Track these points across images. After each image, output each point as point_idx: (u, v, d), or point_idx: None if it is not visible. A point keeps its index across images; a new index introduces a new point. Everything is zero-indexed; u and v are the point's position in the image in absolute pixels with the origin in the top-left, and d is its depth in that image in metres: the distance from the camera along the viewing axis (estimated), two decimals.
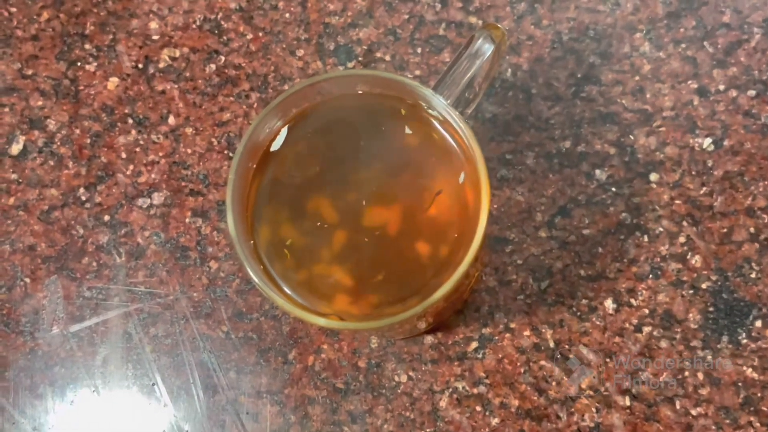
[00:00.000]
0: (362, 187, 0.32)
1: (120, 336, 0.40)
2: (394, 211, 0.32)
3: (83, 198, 0.41)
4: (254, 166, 0.32)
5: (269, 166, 0.33)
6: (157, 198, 0.41)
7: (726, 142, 0.38)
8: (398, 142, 0.32)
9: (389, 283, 0.32)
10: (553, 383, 0.37)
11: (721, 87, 0.39)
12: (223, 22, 0.42)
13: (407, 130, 0.32)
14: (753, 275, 0.37)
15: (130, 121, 0.41)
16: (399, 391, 0.38)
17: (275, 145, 0.33)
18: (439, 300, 0.29)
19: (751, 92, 0.38)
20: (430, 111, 0.32)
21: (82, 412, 0.40)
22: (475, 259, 0.30)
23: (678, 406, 0.36)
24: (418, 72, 0.40)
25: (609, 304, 0.38)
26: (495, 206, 0.39)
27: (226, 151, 0.41)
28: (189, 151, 0.41)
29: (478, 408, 0.38)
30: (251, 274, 0.30)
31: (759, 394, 0.36)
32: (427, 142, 0.32)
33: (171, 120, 0.41)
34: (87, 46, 0.42)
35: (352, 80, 0.32)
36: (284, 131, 0.33)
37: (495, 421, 0.37)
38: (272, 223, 0.32)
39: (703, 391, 0.36)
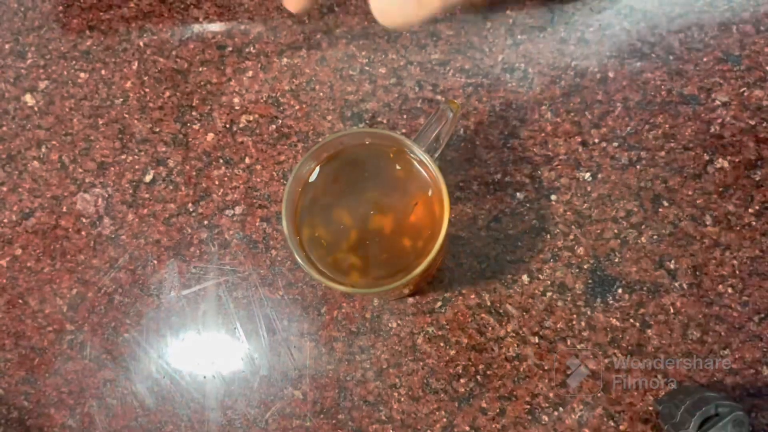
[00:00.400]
0: (368, 203, 0.32)
1: (214, 297, 0.40)
2: (388, 219, 0.32)
3: (191, 209, 0.41)
4: (299, 190, 0.32)
5: (308, 191, 0.33)
6: (238, 209, 0.41)
7: (599, 175, 0.38)
8: (391, 175, 0.32)
9: (385, 265, 0.32)
10: (489, 328, 0.37)
11: (596, 140, 0.39)
12: (280, 98, 0.42)
13: (397, 167, 0.32)
14: (616, 260, 0.37)
15: (221, 161, 0.41)
16: (391, 333, 0.38)
17: (312, 177, 0.33)
18: (417, 275, 0.29)
19: (615, 144, 0.38)
20: (412, 155, 0.32)
21: (189, 346, 0.40)
22: (440, 250, 0.30)
23: (569, 343, 0.36)
24: (404, 130, 0.40)
25: (525, 277, 0.38)
26: (452, 215, 0.39)
27: (281, 181, 0.41)
28: (258, 180, 0.41)
29: (442, 344, 0.38)
30: (297, 257, 0.30)
31: (620, 335, 0.36)
32: (410, 174, 0.32)
33: (247, 160, 0.41)
34: (194, 113, 0.42)
35: (362, 135, 0.33)
36: (318, 168, 0.33)
37: (452, 352, 0.37)
38: (311, 226, 0.32)
39: (584, 333, 0.36)
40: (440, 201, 0.30)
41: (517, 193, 0.38)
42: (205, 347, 0.39)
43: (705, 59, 0.39)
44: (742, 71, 0.38)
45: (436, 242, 0.29)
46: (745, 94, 0.38)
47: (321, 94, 0.41)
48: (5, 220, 0.42)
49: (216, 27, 0.43)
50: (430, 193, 0.31)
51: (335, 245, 0.32)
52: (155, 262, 0.40)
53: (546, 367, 0.36)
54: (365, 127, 0.40)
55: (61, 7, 0.45)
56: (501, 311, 0.37)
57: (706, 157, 0.37)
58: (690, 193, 0.37)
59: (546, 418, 0.36)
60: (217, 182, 0.41)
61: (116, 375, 0.39)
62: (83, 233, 0.41)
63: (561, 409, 0.36)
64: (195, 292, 0.40)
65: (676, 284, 0.36)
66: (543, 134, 0.39)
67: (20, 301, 0.41)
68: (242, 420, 0.38)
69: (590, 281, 0.37)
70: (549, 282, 0.37)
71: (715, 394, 0.33)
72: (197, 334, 0.39)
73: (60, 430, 0.39)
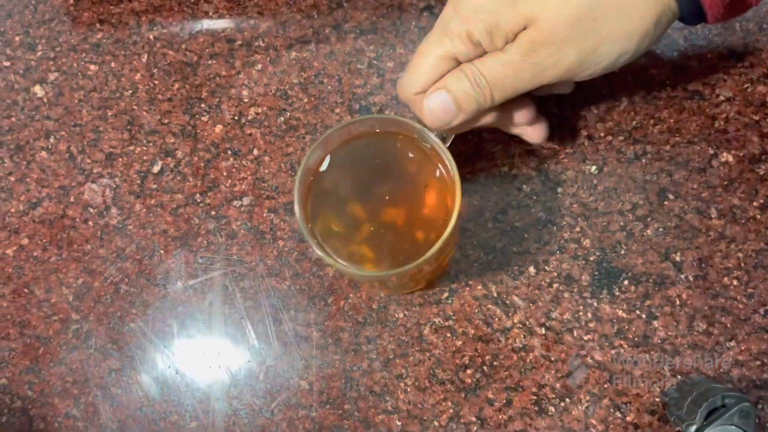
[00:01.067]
0: (380, 194, 0.32)
1: (220, 288, 0.39)
2: (400, 211, 0.32)
3: (198, 200, 0.40)
4: (310, 179, 0.32)
5: (319, 181, 0.32)
6: (246, 200, 0.40)
7: (605, 169, 0.38)
8: (402, 163, 0.32)
9: (396, 255, 0.31)
10: (496, 319, 0.37)
11: (602, 134, 0.39)
12: (289, 91, 0.41)
13: (409, 154, 0.32)
14: (622, 252, 0.37)
15: (229, 152, 0.41)
16: (398, 323, 0.38)
17: (322, 167, 0.32)
18: (424, 262, 0.29)
19: (621, 138, 0.38)
20: (424, 143, 0.32)
21: (195, 336, 0.39)
22: (448, 242, 0.29)
23: (575, 334, 0.36)
24: None
25: (532, 269, 0.37)
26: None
27: (289, 172, 0.40)
28: (266, 171, 0.40)
29: (448, 334, 0.37)
30: (311, 243, 0.30)
31: (626, 327, 0.36)
32: (421, 161, 0.32)
33: (255, 152, 0.41)
34: (202, 105, 0.42)
35: (372, 122, 0.32)
36: (328, 158, 0.32)
37: (459, 343, 0.37)
38: (322, 217, 0.32)
39: (591, 325, 0.36)
40: (452, 189, 0.30)
41: (524, 186, 0.38)
42: (212, 337, 0.39)
43: (709, 55, 0.39)
44: (745, 67, 0.38)
45: (444, 234, 0.29)
46: (749, 90, 0.38)
47: (329, 87, 0.41)
48: (13, 210, 0.41)
49: (225, 21, 0.43)
50: (437, 174, 0.31)
51: (347, 237, 0.31)
52: (162, 252, 0.40)
53: (552, 358, 0.36)
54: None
55: (71, 1, 0.44)
56: (507, 302, 0.37)
57: (711, 152, 0.37)
58: (695, 186, 0.37)
59: (552, 409, 0.35)
60: (224, 173, 0.40)
61: (121, 365, 0.39)
62: (90, 223, 0.41)
63: (567, 400, 0.35)
64: (201, 283, 0.39)
65: (682, 276, 0.36)
66: (549, 127, 0.38)
67: (26, 290, 0.40)
68: (248, 410, 0.37)
69: (596, 273, 0.37)
70: (555, 273, 0.37)
71: (722, 385, 0.33)
72: (203, 325, 0.39)
73: (64, 419, 0.38)
